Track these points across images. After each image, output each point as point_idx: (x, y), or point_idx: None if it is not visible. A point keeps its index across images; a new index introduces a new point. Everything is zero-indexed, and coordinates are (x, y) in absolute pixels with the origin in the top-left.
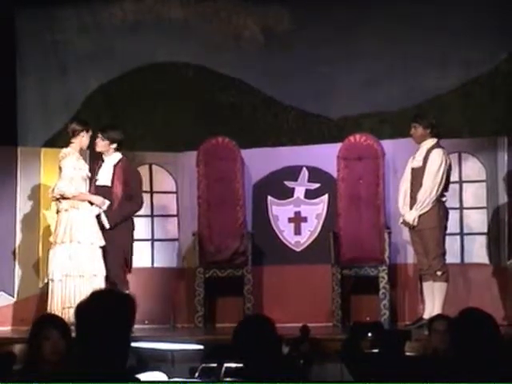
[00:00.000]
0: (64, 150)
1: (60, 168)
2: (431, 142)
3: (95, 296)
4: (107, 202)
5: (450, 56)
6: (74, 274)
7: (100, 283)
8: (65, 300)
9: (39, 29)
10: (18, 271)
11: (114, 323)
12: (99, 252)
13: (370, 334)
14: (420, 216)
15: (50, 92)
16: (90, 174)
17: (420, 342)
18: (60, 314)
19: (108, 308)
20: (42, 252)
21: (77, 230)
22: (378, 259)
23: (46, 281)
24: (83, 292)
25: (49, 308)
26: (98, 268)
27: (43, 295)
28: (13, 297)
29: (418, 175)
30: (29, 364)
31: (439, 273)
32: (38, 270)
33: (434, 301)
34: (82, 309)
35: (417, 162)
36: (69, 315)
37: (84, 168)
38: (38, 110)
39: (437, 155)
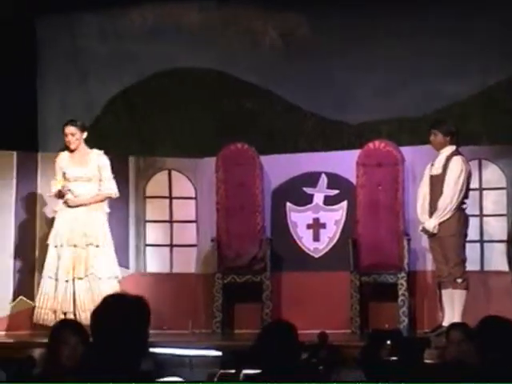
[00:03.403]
0: (98, 151)
1: (100, 167)
2: (450, 149)
3: (109, 300)
4: None
5: (470, 62)
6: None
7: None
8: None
9: (59, 35)
10: (37, 275)
11: (128, 327)
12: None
13: (388, 342)
14: (440, 223)
15: (70, 98)
16: None
17: (439, 350)
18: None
19: (122, 312)
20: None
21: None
22: (396, 266)
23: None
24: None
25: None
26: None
27: None
28: (32, 301)
29: (437, 183)
30: (48, 368)
31: (459, 280)
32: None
33: (453, 308)
34: (97, 313)
35: (436, 169)
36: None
37: None
38: (58, 116)
39: (457, 163)
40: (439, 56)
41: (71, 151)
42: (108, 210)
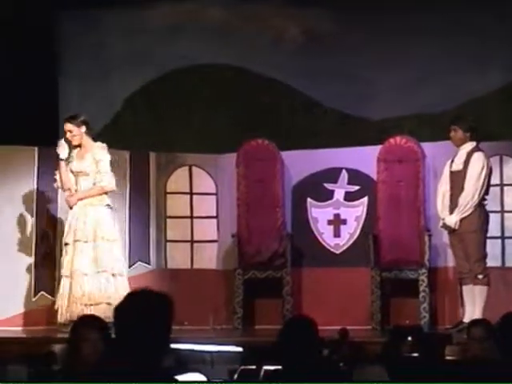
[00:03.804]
0: (100, 144)
1: (97, 160)
2: (470, 145)
3: (133, 296)
4: None
5: (491, 58)
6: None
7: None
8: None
9: (80, 32)
10: (57, 272)
11: (152, 323)
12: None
13: (409, 338)
14: (461, 220)
15: (90, 94)
16: None
17: (460, 346)
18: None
19: (146, 308)
20: None
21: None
22: (417, 262)
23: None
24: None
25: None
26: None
27: None
28: (53, 297)
29: (457, 179)
30: (68, 364)
31: (480, 276)
32: None
33: (474, 305)
34: (120, 309)
35: (456, 165)
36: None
37: None
38: (79, 112)
39: (478, 159)
40: (460, 52)
41: (75, 147)
42: (110, 204)
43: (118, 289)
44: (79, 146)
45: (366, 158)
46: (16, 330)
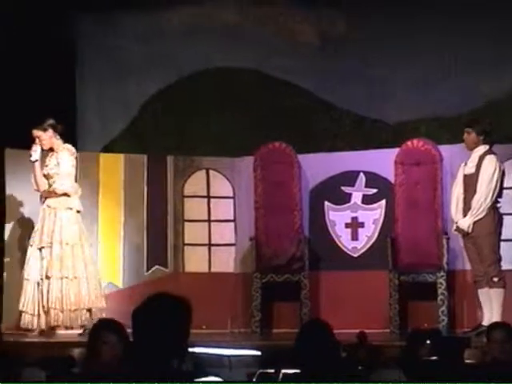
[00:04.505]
0: (66, 146)
1: (58, 163)
2: (483, 148)
3: (151, 300)
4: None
5: (508, 61)
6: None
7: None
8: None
9: (98, 35)
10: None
11: (170, 327)
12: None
13: (428, 341)
14: (475, 223)
15: (108, 97)
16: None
17: (480, 350)
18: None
19: (164, 312)
20: (101, 255)
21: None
22: (435, 265)
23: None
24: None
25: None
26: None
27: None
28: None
29: (470, 182)
30: (87, 367)
31: (495, 279)
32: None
33: (491, 307)
34: (139, 313)
35: (469, 168)
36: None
37: None
38: (96, 116)
39: (490, 162)
40: (477, 54)
41: (48, 151)
42: (72, 208)
43: (78, 294)
44: (52, 149)
45: (383, 160)
46: (35, 334)
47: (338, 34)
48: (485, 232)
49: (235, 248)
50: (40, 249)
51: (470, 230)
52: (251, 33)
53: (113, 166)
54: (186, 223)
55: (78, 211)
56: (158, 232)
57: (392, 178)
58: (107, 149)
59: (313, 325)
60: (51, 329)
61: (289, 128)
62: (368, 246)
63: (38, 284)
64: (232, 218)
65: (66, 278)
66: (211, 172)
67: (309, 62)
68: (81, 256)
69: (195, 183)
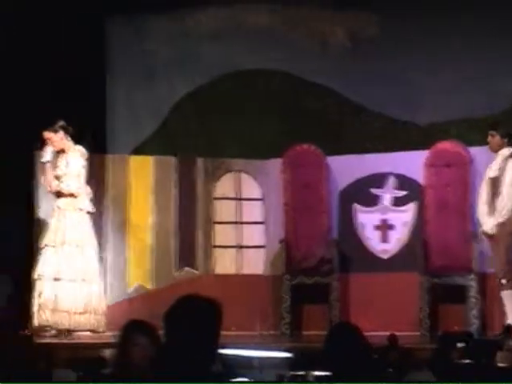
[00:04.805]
0: (77, 148)
1: (68, 163)
2: (507, 151)
3: (181, 302)
4: None
5: None
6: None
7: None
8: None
9: (128, 36)
10: (107, 276)
11: (201, 329)
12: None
13: (459, 344)
14: (499, 224)
15: (138, 99)
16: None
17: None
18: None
19: (194, 314)
20: (131, 257)
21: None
22: (466, 267)
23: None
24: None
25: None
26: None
27: (132, 300)
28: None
29: (495, 184)
30: (118, 369)
31: (504, 281)
32: (126, 275)
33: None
34: (169, 315)
35: (493, 171)
36: None
37: None
38: (126, 118)
39: None
40: (507, 55)
41: (59, 152)
42: (83, 208)
43: (86, 297)
44: (63, 151)
45: (413, 162)
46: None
47: (368, 35)
48: (507, 233)
49: (265, 250)
50: (50, 248)
51: (493, 232)
52: (281, 34)
53: (142, 168)
54: (216, 225)
55: (88, 212)
56: (187, 234)
57: (422, 180)
58: (137, 151)
59: (341, 327)
60: (67, 331)
61: (318, 130)
62: (398, 248)
63: (48, 284)
64: (261, 220)
65: (74, 280)
66: (241, 174)
67: (339, 63)
68: (90, 258)
69: (225, 185)
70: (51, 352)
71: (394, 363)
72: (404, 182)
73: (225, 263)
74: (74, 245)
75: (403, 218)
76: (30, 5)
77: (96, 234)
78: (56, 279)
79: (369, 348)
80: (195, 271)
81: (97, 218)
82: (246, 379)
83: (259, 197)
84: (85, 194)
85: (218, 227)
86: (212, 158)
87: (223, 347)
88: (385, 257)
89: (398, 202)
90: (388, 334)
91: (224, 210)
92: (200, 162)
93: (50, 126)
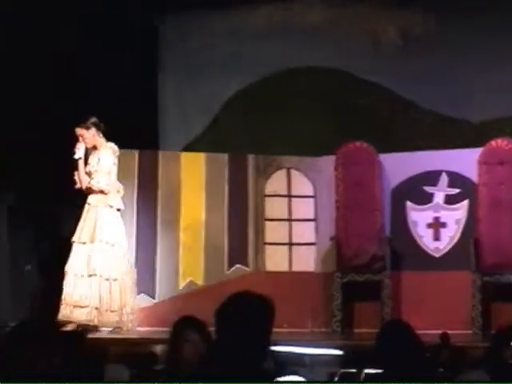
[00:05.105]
0: (109, 144)
1: (99, 159)
2: None
3: (234, 299)
4: None
5: None
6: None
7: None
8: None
9: (180, 33)
10: (158, 273)
11: (253, 326)
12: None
13: None
14: None
15: (189, 96)
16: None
17: None
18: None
19: (247, 311)
20: (182, 253)
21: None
22: None
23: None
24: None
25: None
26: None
27: (183, 296)
28: (153, 298)
29: None
30: (169, 365)
31: None
32: (178, 272)
33: None
34: (221, 311)
35: None
36: None
37: None
38: (178, 115)
39: None
40: None
41: (91, 149)
42: (113, 205)
43: (109, 294)
44: (95, 147)
45: (466, 160)
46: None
47: (420, 33)
48: None
49: (316, 247)
50: (81, 245)
51: None
52: (333, 32)
53: (194, 165)
54: (267, 222)
55: (119, 209)
56: (238, 231)
57: (475, 178)
58: (188, 148)
59: (393, 325)
60: (94, 327)
61: (370, 127)
62: (450, 246)
63: (77, 279)
64: (313, 217)
65: (107, 279)
66: (292, 171)
67: (391, 61)
68: (121, 256)
69: (276, 182)
70: (104, 348)
71: (446, 361)
72: (457, 179)
73: (276, 260)
74: (103, 242)
75: (455, 216)
76: (84, 5)
77: (147, 231)
78: (84, 275)
79: (420, 346)
80: (246, 268)
81: (148, 215)
82: (297, 376)
83: (310, 194)
84: (115, 191)
85: (269, 224)
86: (263, 156)
87: (274, 344)
88: (437, 255)
89: (451, 199)
90: (440, 332)
91: (275, 207)
92: (251, 159)
93: (82, 122)
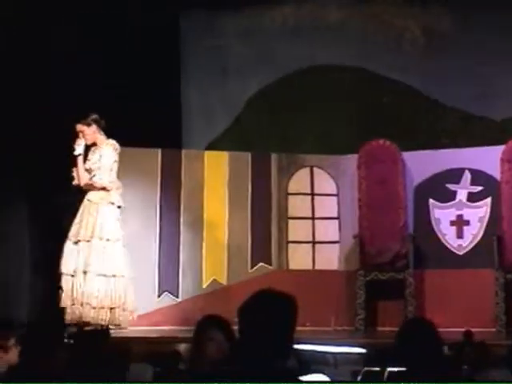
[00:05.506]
0: (110, 141)
1: (101, 157)
2: None
3: (257, 297)
4: None
5: None
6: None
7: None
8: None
9: (202, 33)
10: (181, 272)
11: (276, 324)
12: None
13: None
14: None
15: (212, 95)
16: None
17: None
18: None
19: (270, 309)
20: (206, 252)
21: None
22: None
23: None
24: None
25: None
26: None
27: (207, 295)
28: (177, 297)
29: None
30: (193, 364)
31: None
32: (201, 270)
33: None
34: (245, 310)
35: None
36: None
37: None
38: (201, 114)
39: None
40: None
41: (91, 146)
42: (114, 202)
43: (115, 290)
44: (95, 144)
45: (488, 158)
46: (141, 330)
47: (442, 30)
48: None
49: (339, 245)
50: (76, 242)
51: None
52: (355, 30)
53: (217, 163)
54: (290, 220)
55: (119, 207)
56: (261, 229)
57: (498, 176)
58: (212, 147)
59: (414, 323)
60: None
61: (393, 125)
62: (473, 244)
63: (73, 278)
64: (336, 215)
65: (105, 275)
66: (315, 169)
67: (413, 58)
68: (120, 253)
69: (299, 181)
70: (127, 347)
71: (469, 359)
72: (479, 177)
73: (299, 259)
74: (104, 239)
75: (478, 214)
76: (107, 2)
77: (171, 230)
78: (85, 272)
79: (442, 344)
80: (269, 267)
81: (171, 214)
82: (320, 375)
83: (333, 192)
84: (115, 188)
85: (292, 222)
86: (286, 154)
87: (298, 342)
88: (460, 253)
89: (474, 197)
90: (463, 330)
91: (298, 206)
92: (274, 157)
93: (82, 118)
